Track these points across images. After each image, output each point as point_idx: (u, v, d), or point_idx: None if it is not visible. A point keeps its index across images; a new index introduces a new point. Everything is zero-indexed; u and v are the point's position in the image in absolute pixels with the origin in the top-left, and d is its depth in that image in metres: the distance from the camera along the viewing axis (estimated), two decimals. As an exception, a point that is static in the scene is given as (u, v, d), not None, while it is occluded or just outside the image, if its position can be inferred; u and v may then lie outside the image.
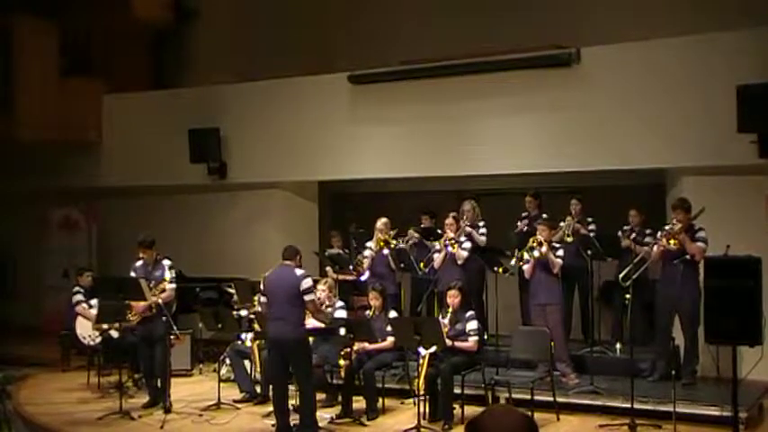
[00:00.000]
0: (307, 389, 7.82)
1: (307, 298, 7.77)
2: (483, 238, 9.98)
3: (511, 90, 10.62)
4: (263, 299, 8.16)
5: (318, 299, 8.71)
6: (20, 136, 12.74)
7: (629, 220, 9.90)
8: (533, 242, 8.99)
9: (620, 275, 8.14)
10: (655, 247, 8.61)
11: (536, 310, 9.17)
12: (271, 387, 8.31)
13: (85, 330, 10.26)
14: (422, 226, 10.75)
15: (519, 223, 10.33)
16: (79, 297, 10.58)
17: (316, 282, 8.55)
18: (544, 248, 8.91)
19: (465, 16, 12.01)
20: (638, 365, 8.75)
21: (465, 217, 10.06)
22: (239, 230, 12.75)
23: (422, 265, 9.85)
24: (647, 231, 9.57)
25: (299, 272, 7.85)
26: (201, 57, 14.25)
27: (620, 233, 9.90)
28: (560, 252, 9.05)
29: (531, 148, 10.50)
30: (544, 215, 10.10)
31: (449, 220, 9.79)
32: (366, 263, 10.12)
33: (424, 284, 10.07)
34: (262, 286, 8.13)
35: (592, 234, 9.91)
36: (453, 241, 9.63)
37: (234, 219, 12.93)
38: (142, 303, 8.88)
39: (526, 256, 9.04)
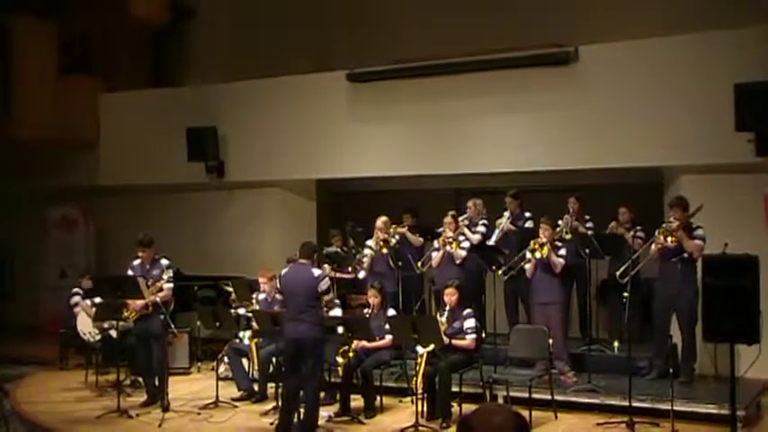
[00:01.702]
0: (313, 387, 7.83)
1: (327, 298, 7.93)
2: (476, 236, 9.96)
3: (509, 88, 10.63)
4: (278, 296, 8.16)
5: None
6: (18, 135, 12.75)
7: (619, 217, 9.91)
8: (534, 244, 8.94)
9: (617, 272, 8.13)
10: (653, 245, 8.60)
11: (537, 309, 9.14)
12: (282, 385, 8.25)
13: (86, 327, 10.26)
14: (404, 224, 10.73)
15: (502, 221, 10.25)
16: (77, 299, 10.58)
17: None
18: (545, 250, 8.86)
19: (463, 15, 12.01)
20: (636, 364, 8.74)
21: (465, 214, 10.06)
22: (237, 229, 12.74)
23: (418, 264, 9.83)
24: (638, 227, 9.59)
25: (316, 272, 7.91)
26: (199, 55, 14.25)
27: (613, 225, 9.88)
28: (562, 252, 8.99)
29: (530, 147, 10.49)
30: (527, 213, 10.13)
31: (447, 219, 9.77)
32: (366, 262, 10.11)
33: (414, 282, 10.06)
34: (278, 284, 8.13)
35: (590, 233, 9.90)
36: (451, 240, 9.62)
37: (232, 217, 12.93)
38: (139, 301, 8.89)
39: (528, 255, 9.02)
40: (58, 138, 13.02)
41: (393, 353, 8.87)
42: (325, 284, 7.87)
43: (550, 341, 8.90)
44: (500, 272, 9.50)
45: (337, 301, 9.40)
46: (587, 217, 10.20)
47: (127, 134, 13.40)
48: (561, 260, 8.94)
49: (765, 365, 8.05)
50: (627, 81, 9.91)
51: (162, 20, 13.79)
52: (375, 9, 12.80)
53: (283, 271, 8.11)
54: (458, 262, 9.65)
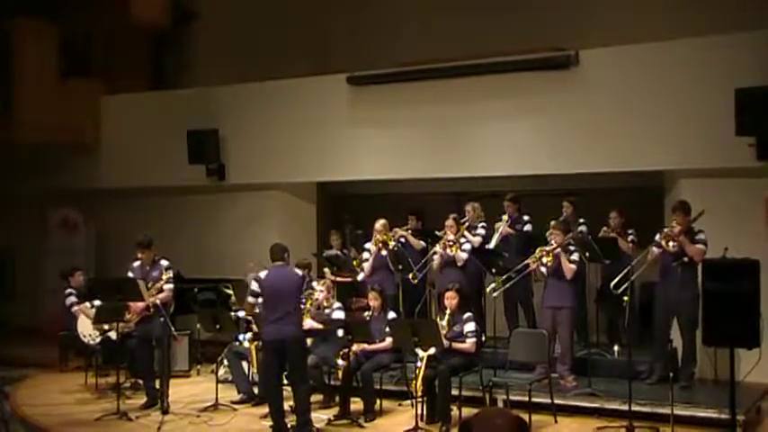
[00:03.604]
0: (303, 389, 7.84)
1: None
2: (477, 239, 9.97)
3: (509, 92, 10.63)
4: (251, 299, 8.11)
5: (316, 299, 8.76)
6: (19, 137, 12.77)
7: (610, 221, 9.88)
8: (540, 251, 8.88)
9: (612, 283, 8.12)
10: (654, 249, 8.60)
11: (546, 312, 9.02)
12: (266, 389, 8.29)
13: (86, 329, 10.23)
14: (408, 227, 10.72)
15: (499, 226, 10.24)
16: (72, 299, 10.54)
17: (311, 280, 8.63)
18: (551, 257, 8.80)
19: (464, 18, 12.02)
20: (636, 368, 8.72)
21: (465, 218, 10.06)
22: (238, 232, 12.74)
23: (411, 275, 9.78)
24: (629, 231, 9.58)
25: (299, 271, 8.02)
26: (200, 58, 14.26)
27: (604, 230, 9.86)
28: (575, 257, 8.86)
29: (530, 151, 10.50)
30: (525, 217, 10.13)
31: (449, 222, 9.76)
32: (367, 266, 10.09)
33: (414, 285, 10.06)
34: (257, 288, 7.99)
35: (579, 235, 9.84)
36: (453, 243, 9.61)
37: (232, 220, 12.93)
38: (140, 304, 8.89)
39: (532, 264, 8.94)
40: (59, 140, 13.03)
41: (393, 356, 8.86)
42: (304, 284, 8.05)
43: (557, 346, 8.90)
44: (499, 282, 9.36)
45: (339, 304, 9.40)
46: (581, 220, 10.19)
47: (127, 136, 13.41)
48: (573, 266, 8.79)
49: (765, 370, 8.08)
50: (627, 85, 9.91)
51: (163, 22, 13.78)
52: (375, 13, 12.83)
53: (262, 274, 8.02)
54: (459, 264, 9.64)
